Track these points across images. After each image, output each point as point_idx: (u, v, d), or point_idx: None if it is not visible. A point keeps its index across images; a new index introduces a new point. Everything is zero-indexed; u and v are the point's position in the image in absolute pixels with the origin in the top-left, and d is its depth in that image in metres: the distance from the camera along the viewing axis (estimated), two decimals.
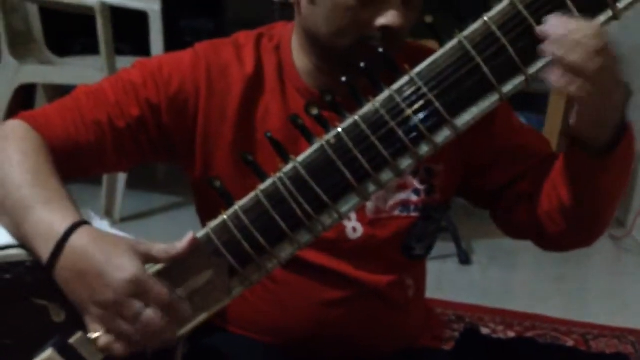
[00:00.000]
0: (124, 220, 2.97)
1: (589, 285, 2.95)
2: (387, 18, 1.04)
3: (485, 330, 2.37)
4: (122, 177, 2.93)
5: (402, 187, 1.19)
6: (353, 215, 1.17)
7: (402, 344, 1.27)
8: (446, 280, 2.70)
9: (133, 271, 0.90)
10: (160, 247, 0.93)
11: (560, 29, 0.87)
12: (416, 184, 1.19)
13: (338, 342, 1.20)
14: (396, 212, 1.19)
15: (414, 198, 1.20)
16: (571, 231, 1.14)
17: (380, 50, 0.92)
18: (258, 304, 1.20)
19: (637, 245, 3.35)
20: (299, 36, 1.15)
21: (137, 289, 0.90)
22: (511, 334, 2.38)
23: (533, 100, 3.76)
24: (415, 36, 1.16)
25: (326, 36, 1.08)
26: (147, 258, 0.93)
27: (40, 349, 0.94)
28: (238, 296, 0.96)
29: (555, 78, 0.89)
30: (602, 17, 0.89)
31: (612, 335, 2.44)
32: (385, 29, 1.04)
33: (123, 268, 0.90)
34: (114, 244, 0.93)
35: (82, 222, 0.95)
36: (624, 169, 1.05)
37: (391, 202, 1.19)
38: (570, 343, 2.35)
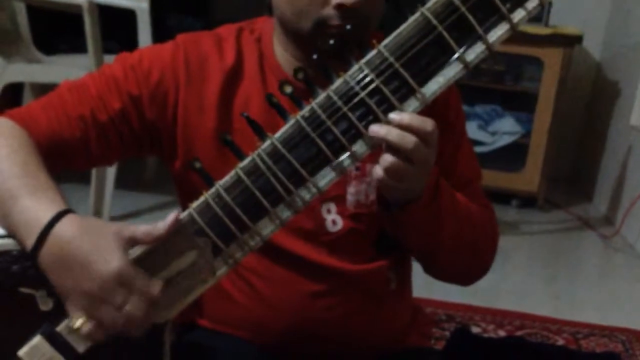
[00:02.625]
0: (113, 219, 2.95)
1: (579, 284, 2.96)
2: None
3: (475, 330, 2.36)
4: (110, 177, 2.92)
5: None
6: (333, 208, 1.18)
7: (387, 340, 1.26)
8: (435, 280, 2.69)
9: (119, 264, 0.90)
10: (143, 229, 0.94)
11: (382, 130, 0.94)
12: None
13: (321, 336, 1.20)
14: (376, 208, 1.19)
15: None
16: (424, 268, 1.22)
17: (348, 27, 0.95)
18: (240, 298, 1.20)
19: (626, 243, 3.36)
20: (276, 27, 1.18)
21: (122, 282, 0.90)
22: (502, 333, 2.37)
23: (523, 99, 3.78)
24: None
25: (290, 19, 1.11)
26: (132, 242, 0.93)
27: (28, 337, 0.94)
28: (222, 277, 0.97)
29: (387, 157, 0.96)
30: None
31: (602, 334, 2.45)
32: (339, 7, 1.06)
33: (109, 260, 0.90)
34: (99, 233, 0.93)
35: (67, 211, 0.95)
36: (424, 226, 1.11)
37: (372, 197, 1.19)
38: (560, 342, 2.36)
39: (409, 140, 0.94)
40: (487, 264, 1.25)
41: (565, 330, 2.44)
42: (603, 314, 2.62)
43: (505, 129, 3.77)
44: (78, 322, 0.93)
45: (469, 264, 1.23)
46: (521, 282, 2.88)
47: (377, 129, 0.93)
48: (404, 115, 0.93)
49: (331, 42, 0.95)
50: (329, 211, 1.18)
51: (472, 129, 3.67)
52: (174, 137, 1.17)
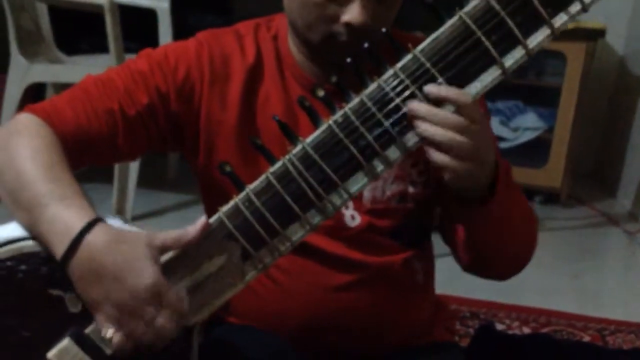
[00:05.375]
0: (135, 219, 2.96)
1: (605, 281, 2.93)
2: (350, 14, 1.04)
3: (500, 327, 2.35)
4: (133, 176, 2.93)
5: (400, 178, 1.19)
6: (350, 204, 1.18)
7: (412, 333, 1.26)
8: (459, 277, 2.67)
9: (152, 278, 0.90)
10: (174, 236, 0.94)
11: (422, 108, 0.91)
12: (414, 175, 1.20)
13: (346, 328, 1.19)
14: (393, 203, 1.19)
15: (411, 189, 1.20)
16: (473, 264, 1.19)
17: (366, 45, 0.93)
18: (262, 291, 1.20)
19: None
20: (289, 28, 1.17)
21: (154, 295, 0.90)
22: (526, 330, 2.36)
23: (545, 94, 3.74)
24: (406, 28, 1.17)
25: (300, 30, 1.11)
26: (163, 250, 0.93)
27: (57, 339, 0.94)
28: (252, 281, 0.97)
29: (433, 156, 0.94)
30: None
31: (629, 331, 2.42)
32: (349, 25, 1.05)
33: (142, 273, 0.90)
34: (130, 244, 0.92)
35: (97, 220, 0.94)
36: (500, 219, 1.08)
37: (389, 193, 1.19)
38: (586, 339, 2.33)
39: (456, 138, 0.92)
40: (531, 254, 1.22)
41: (591, 327, 2.42)
42: (629, 310, 2.59)
43: (527, 125, 3.74)
44: (109, 333, 0.92)
45: (519, 255, 1.20)
46: (546, 278, 2.86)
47: (424, 127, 0.91)
48: (440, 89, 0.91)
49: (348, 60, 0.93)
50: (346, 207, 1.18)
51: (494, 125, 3.64)
52: (197, 133, 1.17)
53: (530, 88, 3.79)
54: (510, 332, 2.31)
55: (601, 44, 3.72)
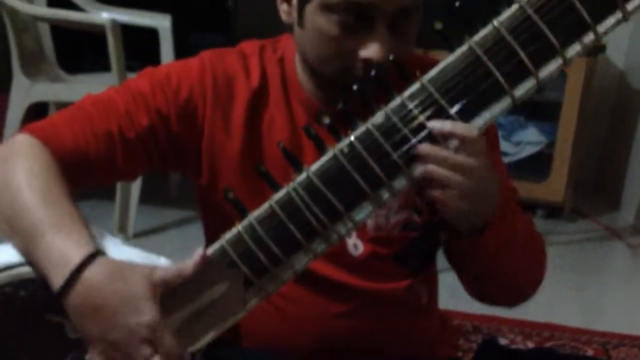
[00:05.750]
0: (137, 235, 2.96)
1: (608, 294, 2.92)
2: (370, 51, 1.02)
3: (503, 341, 2.34)
4: (135, 193, 2.93)
5: (405, 206, 1.17)
6: (353, 232, 1.15)
7: (417, 354, 1.25)
8: (462, 291, 2.66)
9: (150, 317, 0.89)
10: (173, 271, 0.92)
11: (427, 148, 0.91)
12: (419, 203, 1.17)
13: (348, 354, 1.18)
14: (397, 231, 1.18)
15: (416, 218, 1.18)
16: (476, 293, 1.19)
17: (373, 73, 0.92)
18: (264, 318, 1.18)
19: None
20: (298, 54, 1.15)
21: (151, 336, 0.89)
22: (530, 345, 2.35)
23: (545, 109, 3.75)
24: (425, 47, 1.15)
25: (313, 61, 1.09)
26: (163, 286, 0.91)
27: None
28: (253, 308, 0.96)
29: (433, 193, 0.93)
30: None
31: (633, 344, 2.41)
32: (367, 61, 1.03)
33: (140, 312, 0.89)
34: (130, 280, 0.90)
35: (96, 253, 0.92)
36: (499, 248, 1.06)
37: (393, 221, 1.17)
38: (590, 353, 2.32)
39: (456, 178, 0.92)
40: (537, 284, 1.22)
41: (595, 341, 2.41)
42: (633, 323, 2.58)
43: (528, 139, 3.74)
44: None
45: (522, 285, 1.19)
46: (549, 292, 2.83)
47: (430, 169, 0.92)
48: (445, 124, 0.90)
49: (355, 87, 0.92)
50: (349, 235, 1.14)
51: None
52: (199, 155, 1.15)
53: (531, 103, 3.79)
54: (513, 346, 2.30)
55: (602, 58, 3.73)
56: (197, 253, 0.93)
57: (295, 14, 1.10)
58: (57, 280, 0.91)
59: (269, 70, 1.17)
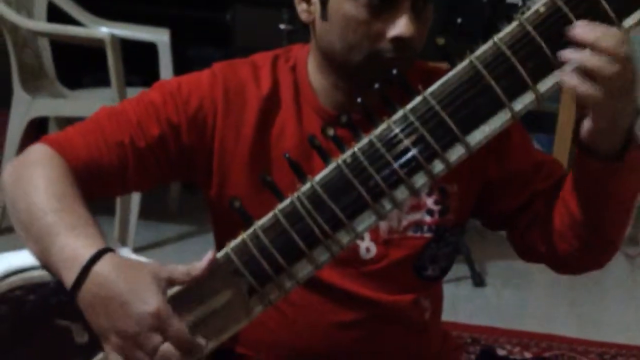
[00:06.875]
0: (137, 250, 2.96)
1: (605, 305, 2.93)
2: (399, 28, 1.05)
3: (501, 352, 2.35)
4: (135, 207, 2.94)
5: (416, 208, 1.19)
6: (366, 235, 1.17)
7: None
8: (460, 303, 2.69)
9: (156, 305, 0.91)
10: (181, 270, 0.94)
11: (587, 35, 0.87)
12: (430, 204, 1.19)
13: None
14: (409, 233, 1.19)
15: (428, 219, 1.20)
16: (583, 249, 1.14)
17: (395, 72, 0.93)
18: (270, 325, 1.20)
19: None
20: (315, 56, 1.17)
21: (159, 323, 0.90)
22: (528, 355, 2.36)
23: (541, 120, 3.76)
24: (427, 58, 1.18)
25: (340, 52, 1.10)
26: (169, 283, 0.94)
27: None
28: (257, 316, 0.97)
29: (574, 81, 0.89)
30: (630, 21, 0.89)
31: (630, 354, 2.42)
32: (396, 40, 1.06)
33: (147, 301, 0.91)
34: (137, 273, 0.93)
35: (106, 250, 0.96)
36: (634, 176, 1.04)
37: (404, 223, 1.19)
38: None
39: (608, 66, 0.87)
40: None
41: (592, 351, 2.42)
42: (630, 334, 2.59)
43: None
44: None
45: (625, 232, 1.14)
46: (546, 303, 2.86)
47: (570, 55, 0.87)
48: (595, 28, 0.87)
49: (376, 85, 0.94)
50: (362, 238, 1.17)
51: None
52: (210, 164, 1.17)
53: (527, 114, 3.79)
54: (511, 357, 2.31)
55: None
56: (207, 256, 0.95)
57: (317, 9, 1.12)
58: (69, 277, 0.94)
59: (281, 79, 1.19)
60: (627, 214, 1.10)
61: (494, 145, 0.95)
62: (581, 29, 0.87)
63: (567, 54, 0.88)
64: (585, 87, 0.88)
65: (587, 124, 0.96)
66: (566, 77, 0.89)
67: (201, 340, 0.94)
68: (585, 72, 0.88)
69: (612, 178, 1.03)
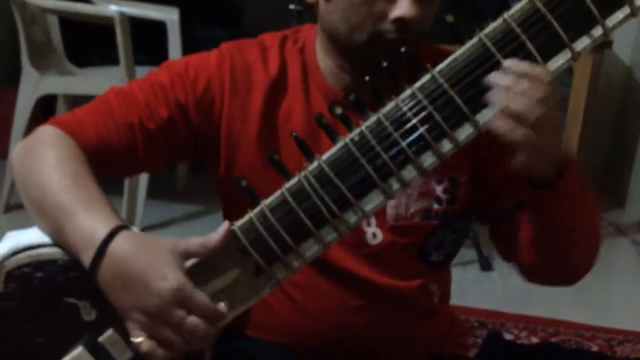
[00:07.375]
0: (144, 230, 2.97)
1: (612, 291, 2.93)
2: (400, 9, 1.05)
3: (508, 336, 2.35)
4: (142, 187, 2.94)
5: (425, 195, 1.19)
6: (373, 221, 1.17)
7: (426, 351, 1.26)
8: (468, 287, 2.69)
9: (177, 280, 0.91)
10: (197, 241, 0.94)
11: (505, 79, 0.89)
12: (439, 192, 1.19)
13: (360, 348, 1.19)
14: (416, 219, 1.19)
15: (436, 206, 1.19)
16: (543, 266, 1.15)
17: (403, 49, 0.92)
18: (279, 308, 1.20)
19: None
20: (320, 37, 1.17)
21: (181, 298, 0.91)
22: (535, 340, 2.36)
23: None
24: (437, 40, 1.16)
25: (343, 33, 1.10)
26: (186, 255, 0.94)
27: (70, 347, 0.95)
28: (265, 296, 0.97)
29: (499, 125, 0.91)
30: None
31: (637, 340, 2.42)
32: (399, 21, 1.05)
33: (167, 276, 0.91)
34: (154, 249, 0.93)
35: (122, 227, 0.95)
36: (575, 201, 1.05)
37: (412, 210, 1.18)
38: (594, 348, 2.33)
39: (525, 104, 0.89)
40: (597, 251, 1.20)
41: (599, 337, 2.42)
42: (637, 320, 2.58)
43: None
44: (138, 339, 0.93)
45: (590, 248, 1.17)
46: (553, 289, 2.85)
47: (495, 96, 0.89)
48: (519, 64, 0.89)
49: (384, 64, 0.92)
50: (368, 224, 1.17)
51: None
52: (218, 144, 1.17)
53: None
54: (518, 342, 2.31)
55: (608, 54, 3.72)
56: (223, 226, 0.94)
57: None
58: (86, 257, 0.94)
59: (289, 60, 1.19)
60: (581, 239, 1.11)
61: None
62: (496, 75, 0.89)
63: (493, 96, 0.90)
64: (516, 134, 0.90)
65: (519, 158, 0.96)
66: (498, 124, 0.90)
67: (222, 307, 0.94)
68: (513, 117, 0.89)
69: (549, 205, 1.04)
